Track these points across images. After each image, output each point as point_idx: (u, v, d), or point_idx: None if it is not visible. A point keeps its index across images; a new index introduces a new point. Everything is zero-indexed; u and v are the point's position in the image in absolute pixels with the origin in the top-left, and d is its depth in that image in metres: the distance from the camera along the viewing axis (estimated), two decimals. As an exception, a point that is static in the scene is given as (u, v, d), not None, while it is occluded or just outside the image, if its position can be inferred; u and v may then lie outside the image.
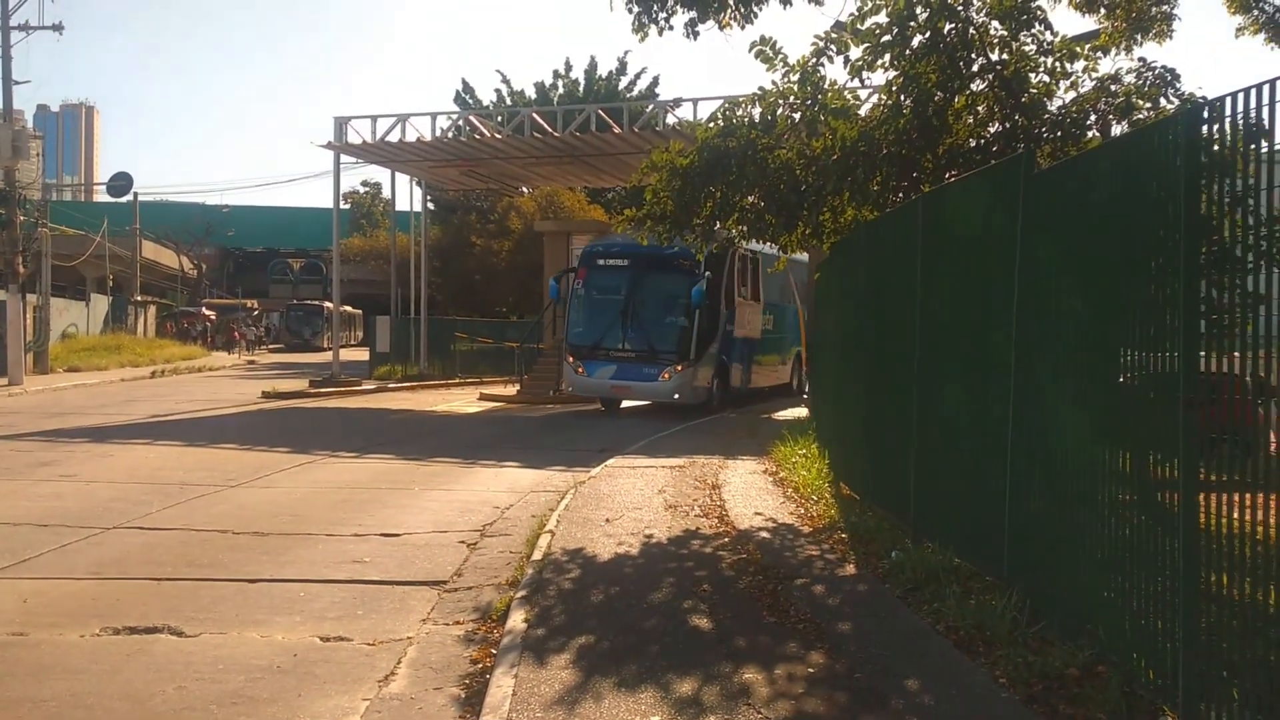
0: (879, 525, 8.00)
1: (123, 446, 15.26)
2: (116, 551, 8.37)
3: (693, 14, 9.04)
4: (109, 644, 6.04)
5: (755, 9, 9.31)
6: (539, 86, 43.66)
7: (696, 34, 9.24)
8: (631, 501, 9.75)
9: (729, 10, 9.12)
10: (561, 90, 43.08)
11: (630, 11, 9.02)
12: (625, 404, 22.26)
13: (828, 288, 12.17)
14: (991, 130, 10.26)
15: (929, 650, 5.43)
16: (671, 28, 9.26)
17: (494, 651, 5.81)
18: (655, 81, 43.53)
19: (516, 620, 6.16)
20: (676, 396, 20.30)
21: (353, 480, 12.36)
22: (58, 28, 29.45)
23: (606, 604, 6.50)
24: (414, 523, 9.65)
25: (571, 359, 21.31)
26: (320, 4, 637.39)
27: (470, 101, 43.55)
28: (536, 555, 7.72)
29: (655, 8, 8.96)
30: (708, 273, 19.98)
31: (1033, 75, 9.92)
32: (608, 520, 8.90)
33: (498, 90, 44.20)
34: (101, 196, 54.21)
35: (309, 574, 7.73)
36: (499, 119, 30.32)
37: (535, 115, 25.69)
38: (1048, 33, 9.75)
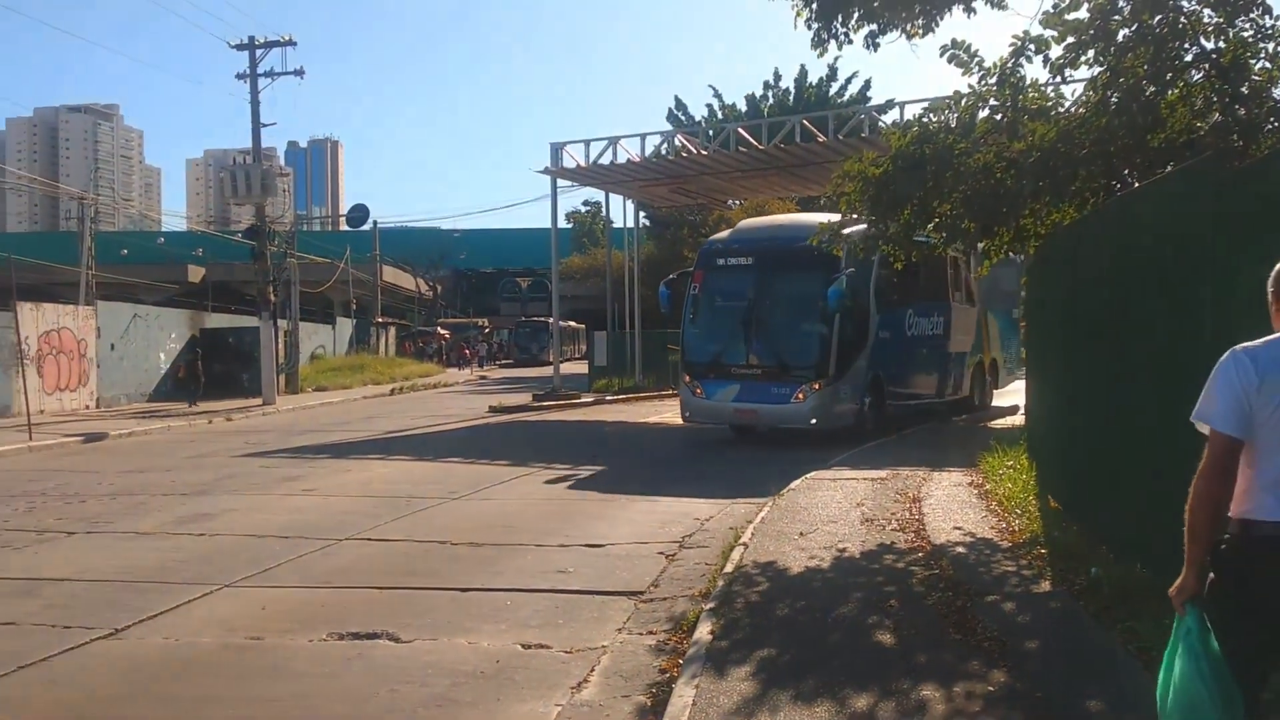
0: (1081, 540, 7.73)
1: (359, 461, 16.48)
2: (346, 561, 9.12)
3: (873, 27, 9.05)
4: (333, 649, 6.62)
5: (937, 19, 9.22)
6: (749, 99, 44.01)
7: (877, 45, 9.24)
8: (828, 515, 9.77)
9: (914, 21, 9.05)
10: (771, 101, 43.27)
11: (810, 28, 9.12)
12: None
13: (1033, 293, 11.79)
14: (1211, 121, 9.72)
15: (1117, 670, 5.26)
16: (851, 41, 9.29)
17: (681, 661, 6.00)
18: (867, 85, 43.08)
19: (703, 632, 6.34)
20: (814, 422, 16.67)
21: (564, 493, 12.90)
22: (299, 73, 31.90)
23: (791, 617, 6.60)
24: (617, 534, 10.01)
25: (688, 379, 17.92)
26: (536, 34, 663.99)
27: (682, 118, 44.40)
28: (728, 568, 7.89)
29: (836, 24, 9.02)
30: (850, 269, 16.10)
31: (1253, 62, 9.33)
32: (801, 534, 8.97)
33: (709, 105, 44.93)
34: (346, 225, 58.33)
35: (516, 583, 8.17)
36: (710, 133, 30.78)
37: (741, 130, 25.97)
38: (1267, 17, 9.16)
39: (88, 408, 28.14)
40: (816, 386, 16.52)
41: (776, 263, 17.40)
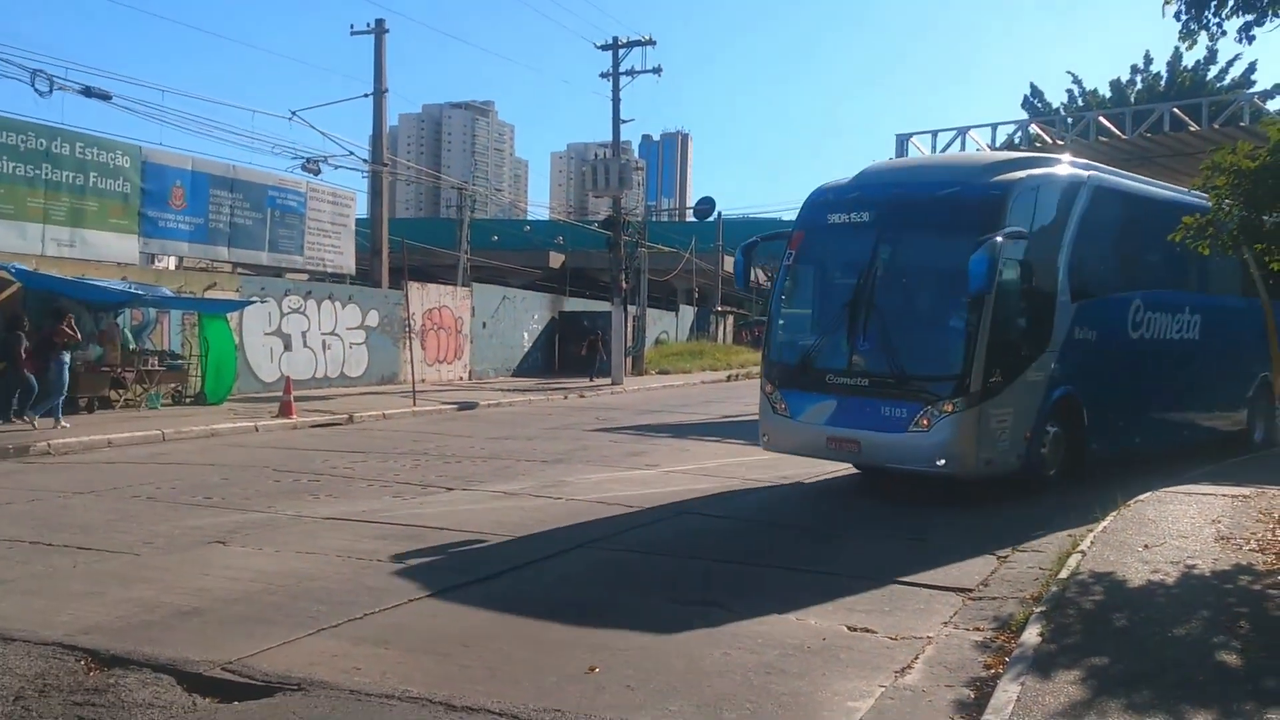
0: None
1: (697, 442, 17.35)
2: (682, 534, 9.79)
3: (1249, 17, 8.43)
4: (671, 611, 7.21)
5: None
6: (1114, 84, 41.06)
7: (1252, 37, 8.59)
8: (1177, 529, 9.27)
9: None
10: (1140, 86, 40.13)
11: (1178, 20, 8.64)
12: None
13: None
14: None
15: None
16: (1224, 33, 8.69)
17: (1006, 660, 6.05)
18: (1251, 68, 38.83)
19: (1031, 634, 6.33)
20: (942, 463, 10.91)
21: (891, 485, 12.97)
22: (657, 70, 33.50)
23: (1127, 629, 6.43)
24: (947, 531, 10.02)
25: (769, 387, 12.36)
26: (886, 28, 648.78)
27: (1039, 106, 42.25)
28: (1063, 573, 7.74)
29: (1208, 13, 8.49)
30: (1016, 228, 10.97)
31: None
32: (1146, 546, 8.59)
33: (1069, 91, 42.35)
34: (692, 217, 60.50)
35: (844, 568, 8.43)
36: (1068, 121, 29.28)
37: (1102, 118, 24.54)
38: None
39: (461, 379, 31.18)
40: (948, 408, 10.78)
41: (907, 220, 11.70)
